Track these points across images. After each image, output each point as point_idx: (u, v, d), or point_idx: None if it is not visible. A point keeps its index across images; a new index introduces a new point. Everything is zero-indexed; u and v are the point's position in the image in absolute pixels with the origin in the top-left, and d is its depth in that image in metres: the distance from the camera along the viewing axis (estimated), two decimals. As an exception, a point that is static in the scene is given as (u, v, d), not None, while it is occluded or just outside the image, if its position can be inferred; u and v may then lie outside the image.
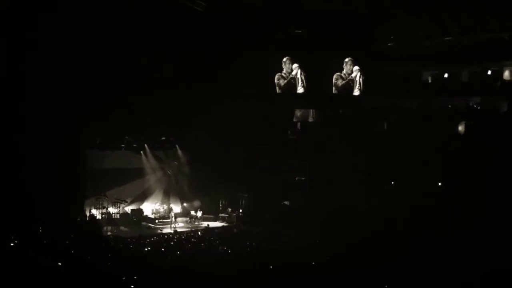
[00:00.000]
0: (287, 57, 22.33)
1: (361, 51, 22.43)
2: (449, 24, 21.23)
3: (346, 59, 22.48)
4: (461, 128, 22.80)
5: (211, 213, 23.99)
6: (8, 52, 17.31)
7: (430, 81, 24.14)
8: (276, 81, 22.32)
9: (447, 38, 22.06)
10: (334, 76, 22.53)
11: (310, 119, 24.92)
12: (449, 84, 23.42)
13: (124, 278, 10.64)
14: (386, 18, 21.01)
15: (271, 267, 12.07)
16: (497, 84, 22.48)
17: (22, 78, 17.63)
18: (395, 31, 22.14)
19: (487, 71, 22.65)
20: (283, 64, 22.36)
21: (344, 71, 22.57)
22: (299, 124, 25.18)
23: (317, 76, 22.53)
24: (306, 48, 22.04)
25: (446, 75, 23.60)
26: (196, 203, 24.32)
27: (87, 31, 17.98)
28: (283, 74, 22.35)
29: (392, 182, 22.57)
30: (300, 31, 21.83)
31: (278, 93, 22.52)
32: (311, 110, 24.77)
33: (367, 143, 22.10)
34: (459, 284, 10.81)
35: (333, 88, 22.60)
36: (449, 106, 23.09)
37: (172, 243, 17.43)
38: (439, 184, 21.52)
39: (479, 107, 22.76)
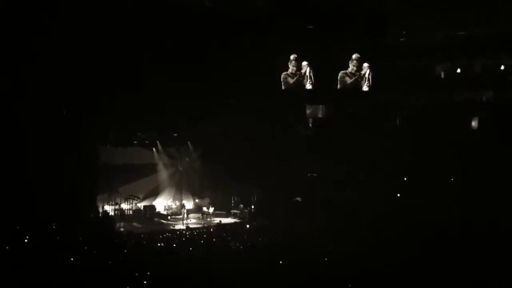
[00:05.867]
0: (294, 55, 22.19)
1: (372, 46, 22.24)
2: (461, 17, 20.97)
3: (353, 56, 22.28)
4: (474, 122, 22.62)
5: (223, 209, 24.05)
6: (15, 50, 17.37)
7: (443, 75, 23.91)
8: (282, 80, 22.21)
9: (460, 32, 21.81)
10: (340, 74, 22.33)
11: (320, 115, 24.82)
12: (462, 78, 23.18)
13: (137, 274, 10.70)
14: (397, 12, 20.79)
15: (280, 262, 12.07)
16: (510, 78, 22.26)
17: (33, 74, 17.69)
18: (407, 26, 21.90)
19: (501, 65, 22.42)
20: (289, 63, 22.21)
21: (349, 69, 22.36)
22: (310, 120, 25.10)
23: (326, 72, 22.38)
24: (315, 45, 21.86)
25: (458, 70, 23.38)
26: (206, 199, 24.42)
27: (95, 27, 17.97)
28: (289, 73, 22.22)
29: (405, 178, 22.44)
30: (311, 27, 21.68)
31: (286, 90, 22.39)
32: (321, 106, 24.66)
33: (380, 138, 21.98)
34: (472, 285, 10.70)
35: (339, 85, 22.38)
36: (463, 100, 22.85)
37: (184, 239, 17.51)
38: (452, 179, 21.39)
39: (492, 101, 22.53)
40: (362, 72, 22.42)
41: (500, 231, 15.18)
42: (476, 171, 20.28)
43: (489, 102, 22.70)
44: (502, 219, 16.67)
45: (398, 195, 22.02)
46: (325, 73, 22.35)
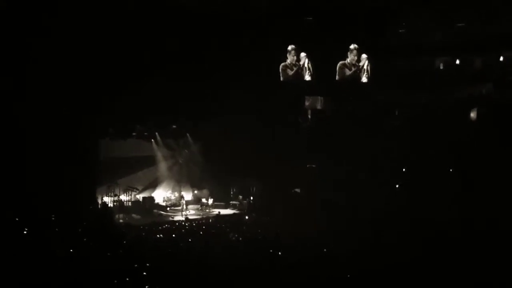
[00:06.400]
0: (291, 46, 22.11)
1: (372, 46, 22.15)
2: (461, 17, 20.85)
3: (351, 46, 22.17)
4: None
5: (222, 200, 24.11)
6: (15, 50, 17.31)
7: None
8: (281, 71, 22.16)
9: (460, 24, 21.68)
10: (339, 65, 22.26)
11: (319, 107, 24.75)
12: (462, 77, 23.00)
13: (136, 265, 10.72)
14: (397, 11, 20.70)
15: (279, 253, 12.10)
16: (510, 78, 22.16)
17: (33, 69, 17.64)
18: (407, 25, 21.74)
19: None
20: (288, 54, 22.16)
21: (348, 60, 22.27)
22: (309, 111, 25.05)
23: (325, 63, 22.31)
24: (313, 37, 21.78)
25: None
26: (205, 191, 24.49)
27: (95, 27, 17.94)
28: (287, 64, 22.16)
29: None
30: (310, 18, 21.59)
31: (285, 81, 22.33)
32: (320, 98, 24.60)
33: (380, 138, 21.93)
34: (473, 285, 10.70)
35: (337, 76, 22.30)
36: (463, 99, 22.70)
37: (183, 230, 17.55)
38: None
39: (492, 101, 22.42)
40: (361, 64, 22.34)
41: (500, 231, 15.18)
42: (476, 170, 20.26)
43: (489, 102, 22.60)
44: (502, 219, 16.66)
45: (397, 185, 22.07)
46: (324, 65, 22.29)
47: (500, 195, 18.55)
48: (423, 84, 23.01)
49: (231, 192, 24.83)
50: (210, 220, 20.42)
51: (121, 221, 20.39)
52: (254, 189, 24.09)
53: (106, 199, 21.93)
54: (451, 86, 22.86)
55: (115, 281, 9.72)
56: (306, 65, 22.19)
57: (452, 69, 23.05)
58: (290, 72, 22.23)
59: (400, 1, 19.91)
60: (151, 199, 23.69)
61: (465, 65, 22.78)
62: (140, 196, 23.47)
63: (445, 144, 21.35)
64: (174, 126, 24.22)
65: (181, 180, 25.27)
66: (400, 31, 21.68)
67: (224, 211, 22.93)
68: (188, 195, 24.78)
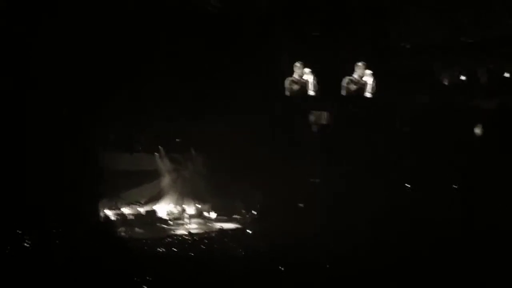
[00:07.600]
0: (299, 62, 22.12)
1: (374, 47, 22.13)
2: (464, 19, 20.84)
3: (359, 63, 22.20)
4: (478, 130, 22.46)
5: (224, 214, 24.01)
6: (14, 50, 17.31)
7: (444, 76, 23.68)
8: (287, 86, 22.15)
9: (463, 38, 21.73)
10: (346, 80, 22.26)
11: (323, 121, 24.69)
12: (465, 79, 22.94)
13: (137, 279, 10.66)
14: (399, 12, 20.69)
15: (282, 269, 12.03)
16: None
17: (31, 77, 17.62)
18: (410, 28, 21.74)
19: (504, 67, 22.24)
20: (294, 68, 22.17)
21: (355, 75, 22.26)
22: (314, 126, 24.99)
23: (329, 78, 22.29)
24: (318, 51, 21.80)
25: (463, 77, 23.19)
26: (208, 205, 24.44)
27: (97, 27, 17.93)
28: (293, 79, 22.14)
29: (406, 179, 22.30)
30: (317, 34, 21.64)
31: (290, 96, 22.34)
32: (324, 112, 24.57)
33: (381, 139, 21.84)
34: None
35: (344, 91, 22.29)
36: (464, 101, 22.65)
37: (186, 245, 17.47)
38: (453, 180, 21.27)
39: (494, 102, 22.38)
40: (364, 79, 22.32)
41: (500, 231, 15.08)
42: (477, 170, 20.17)
43: (491, 104, 22.54)
44: (503, 220, 16.55)
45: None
46: (329, 79, 22.28)
47: (500, 195, 18.44)
48: (425, 86, 22.94)
49: (234, 206, 24.71)
50: (213, 234, 20.30)
51: (123, 234, 20.28)
52: (257, 203, 23.93)
53: (108, 212, 21.88)
54: (453, 89, 22.80)
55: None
56: (310, 80, 22.19)
57: (454, 72, 23.05)
58: (295, 87, 22.22)
59: (400, 1, 19.92)
60: (153, 212, 23.60)
61: (468, 68, 22.76)
62: (142, 210, 23.39)
63: (446, 144, 21.26)
64: (177, 140, 24.19)
65: (184, 193, 25.17)
66: (402, 32, 21.66)
67: (226, 225, 22.80)
68: (190, 209, 24.69)
